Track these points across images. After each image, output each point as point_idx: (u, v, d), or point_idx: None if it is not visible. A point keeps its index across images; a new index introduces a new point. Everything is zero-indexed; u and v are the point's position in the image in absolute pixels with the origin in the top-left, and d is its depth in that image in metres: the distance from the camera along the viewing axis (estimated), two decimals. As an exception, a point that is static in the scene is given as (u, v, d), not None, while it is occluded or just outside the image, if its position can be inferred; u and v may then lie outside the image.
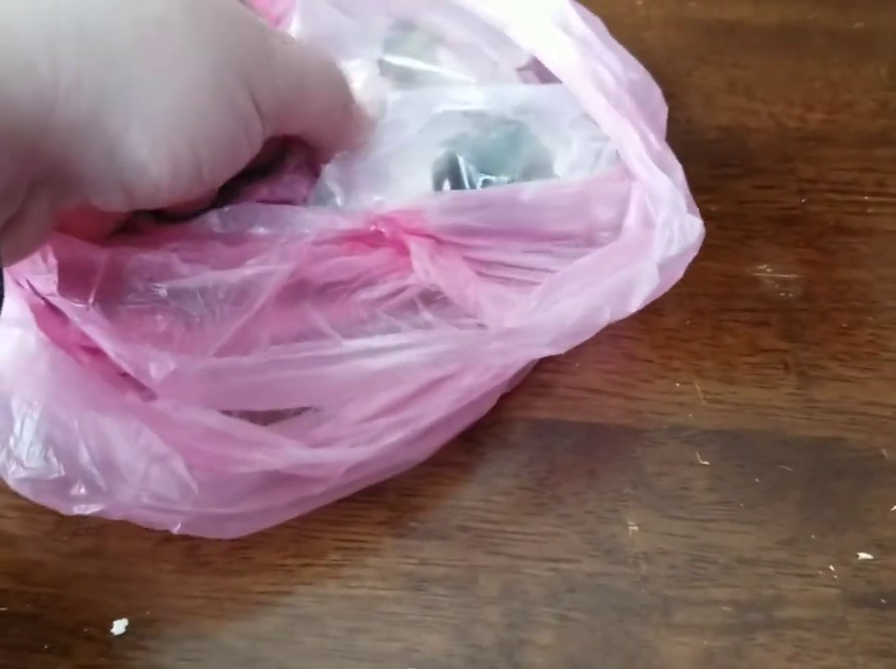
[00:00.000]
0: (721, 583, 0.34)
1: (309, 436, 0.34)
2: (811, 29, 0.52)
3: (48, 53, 0.27)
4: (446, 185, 0.39)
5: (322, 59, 0.37)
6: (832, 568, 0.34)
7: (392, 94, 0.40)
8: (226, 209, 0.37)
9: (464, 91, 0.41)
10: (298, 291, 0.36)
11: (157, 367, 0.32)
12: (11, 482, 0.32)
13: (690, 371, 0.39)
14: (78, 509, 0.32)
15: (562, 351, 0.35)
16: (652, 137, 0.37)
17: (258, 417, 0.34)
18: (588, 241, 0.38)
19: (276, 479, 0.33)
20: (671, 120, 0.40)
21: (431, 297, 0.38)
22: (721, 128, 0.47)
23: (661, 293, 0.35)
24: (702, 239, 0.35)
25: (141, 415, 0.32)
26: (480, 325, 0.37)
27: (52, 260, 0.34)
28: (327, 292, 0.37)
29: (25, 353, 0.32)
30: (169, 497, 0.32)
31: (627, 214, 0.38)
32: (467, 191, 0.38)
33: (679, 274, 0.36)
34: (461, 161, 0.39)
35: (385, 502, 0.36)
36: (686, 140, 0.45)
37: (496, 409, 0.38)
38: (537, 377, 0.39)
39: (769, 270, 0.42)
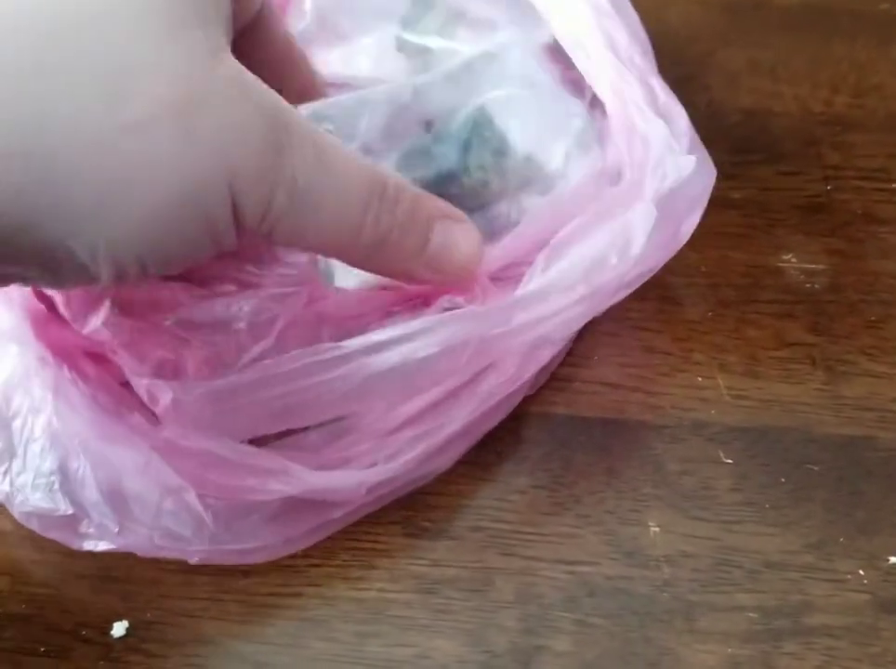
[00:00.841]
0: (747, 588, 0.33)
1: (324, 454, 0.33)
2: (837, 9, 0.50)
3: None
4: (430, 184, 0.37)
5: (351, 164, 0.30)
6: (861, 572, 0.33)
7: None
8: None
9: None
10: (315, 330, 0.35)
11: (157, 398, 0.30)
12: (17, 515, 0.31)
13: (712, 365, 0.37)
14: (88, 546, 0.31)
15: (579, 325, 0.34)
16: (658, 89, 0.36)
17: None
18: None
19: (294, 506, 0.32)
20: (691, 102, 0.38)
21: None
22: (744, 111, 0.46)
23: (675, 246, 0.34)
24: (707, 179, 0.34)
25: (150, 443, 0.31)
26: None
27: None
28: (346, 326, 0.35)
29: (24, 372, 0.31)
30: (183, 535, 0.31)
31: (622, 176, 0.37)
32: None
33: (693, 223, 0.34)
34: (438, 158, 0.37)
35: (395, 501, 0.34)
36: (707, 125, 0.43)
37: (509, 404, 0.36)
38: (552, 373, 0.37)
39: (794, 260, 0.40)
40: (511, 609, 0.33)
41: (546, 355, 0.35)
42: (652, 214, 0.33)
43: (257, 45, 0.33)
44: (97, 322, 0.31)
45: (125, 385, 0.33)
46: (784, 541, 0.33)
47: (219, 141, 0.26)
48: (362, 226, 0.30)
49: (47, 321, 0.33)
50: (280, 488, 0.31)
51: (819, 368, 0.37)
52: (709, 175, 0.35)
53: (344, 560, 0.34)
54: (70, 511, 0.31)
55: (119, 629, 0.32)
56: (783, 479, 0.35)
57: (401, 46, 0.41)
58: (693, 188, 0.34)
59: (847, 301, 0.39)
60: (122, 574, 0.33)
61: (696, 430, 0.36)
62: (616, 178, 0.37)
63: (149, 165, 0.25)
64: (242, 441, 0.32)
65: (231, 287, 0.31)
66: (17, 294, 0.33)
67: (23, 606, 0.33)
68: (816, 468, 0.35)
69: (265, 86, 0.28)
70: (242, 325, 0.32)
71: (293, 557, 0.33)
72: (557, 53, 0.40)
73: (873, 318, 0.38)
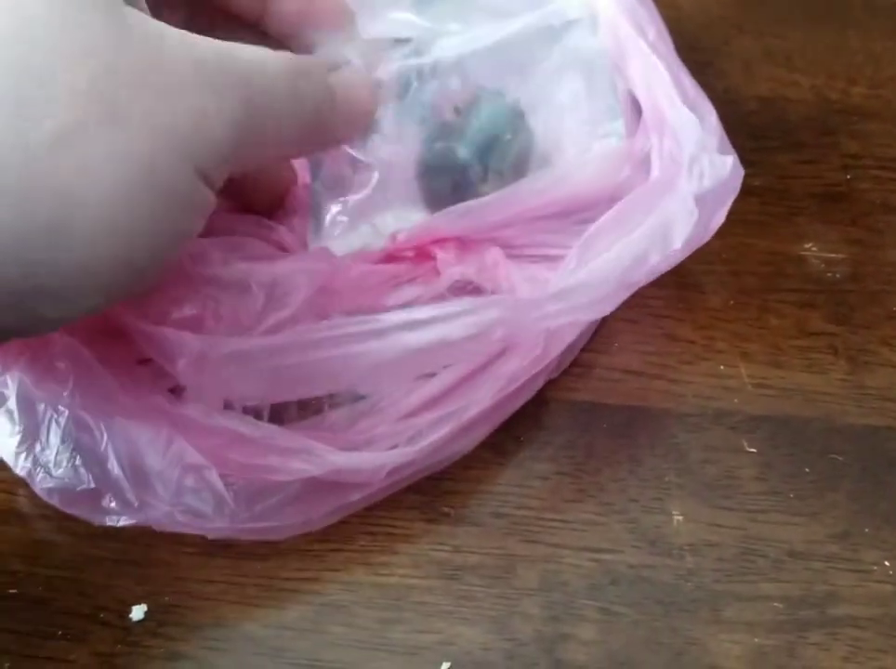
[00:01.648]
0: (772, 578, 0.32)
1: (346, 435, 0.32)
2: (851, 0, 0.49)
3: None
4: (446, 184, 0.37)
5: (289, 68, 0.29)
6: (887, 564, 0.33)
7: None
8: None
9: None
10: (327, 302, 0.34)
11: (182, 351, 0.29)
12: (39, 491, 0.31)
13: (734, 353, 0.37)
14: (110, 521, 0.31)
15: (612, 309, 0.33)
16: (687, 83, 0.36)
17: (292, 412, 0.33)
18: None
19: (314, 487, 0.32)
20: (708, 88, 0.38)
21: (461, 289, 0.36)
22: (761, 99, 0.45)
23: (704, 239, 0.34)
24: (739, 179, 0.34)
25: (171, 421, 0.30)
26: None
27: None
28: (356, 300, 0.35)
29: (42, 347, 0.30)
30: (203, 512, 0.30)
31: (651, 168, 0.36)
32: (480, 201, 0.36)
33: (721, 218, 0.34)
34: (459, 154, 0.37)
35: (415, 485, 0.34)
36: (725, 111, 0.43)
37: (531, 389, 0.36)
38: (574, 358, 0.37)
39: (814, 249, 0.40)
40: (535, 597, 0.32)
41: (570, 336, 0.35)
42: (693, 213, 0.33)
43: None
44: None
45: (144, 362, 0.33)
46: (809, 531, 0.33)
47: (155, 116, 0.24)
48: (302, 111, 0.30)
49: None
50: (302, 467, 0.31)
51: (841, 358, 0.37)
52: (740, 174, 0.34)
53: (362, 545, 0.33)
54: (92, 485, 0.30)
55: (138, 612, 0.32)
56: (807, 469, 0.34)
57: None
58: (726, 186, 0.34)
59: (867, 291, 0.39)
60: (139, 557, 0.33)
61: (719, 419, 0.36)
62: (640, 166, 0.37)
63: (92, 170, 0.23)
64: (255, 405, 0.32)
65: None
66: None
67: (40, 588, 0.32)
68: (840, 458, 0.35)
69: (173, 30, 0.26)
70: (265, 292, 0.32)
71: (311, 541, 0.33)
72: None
73: (894, 308, 0.38)
